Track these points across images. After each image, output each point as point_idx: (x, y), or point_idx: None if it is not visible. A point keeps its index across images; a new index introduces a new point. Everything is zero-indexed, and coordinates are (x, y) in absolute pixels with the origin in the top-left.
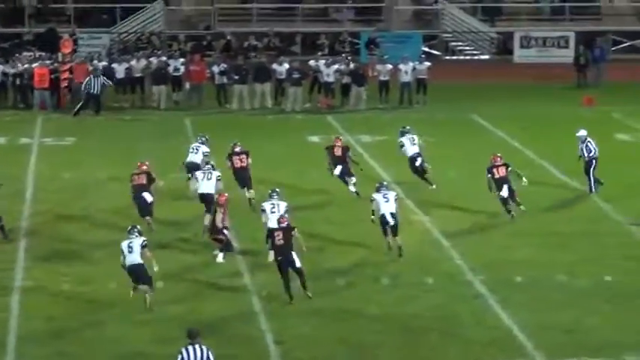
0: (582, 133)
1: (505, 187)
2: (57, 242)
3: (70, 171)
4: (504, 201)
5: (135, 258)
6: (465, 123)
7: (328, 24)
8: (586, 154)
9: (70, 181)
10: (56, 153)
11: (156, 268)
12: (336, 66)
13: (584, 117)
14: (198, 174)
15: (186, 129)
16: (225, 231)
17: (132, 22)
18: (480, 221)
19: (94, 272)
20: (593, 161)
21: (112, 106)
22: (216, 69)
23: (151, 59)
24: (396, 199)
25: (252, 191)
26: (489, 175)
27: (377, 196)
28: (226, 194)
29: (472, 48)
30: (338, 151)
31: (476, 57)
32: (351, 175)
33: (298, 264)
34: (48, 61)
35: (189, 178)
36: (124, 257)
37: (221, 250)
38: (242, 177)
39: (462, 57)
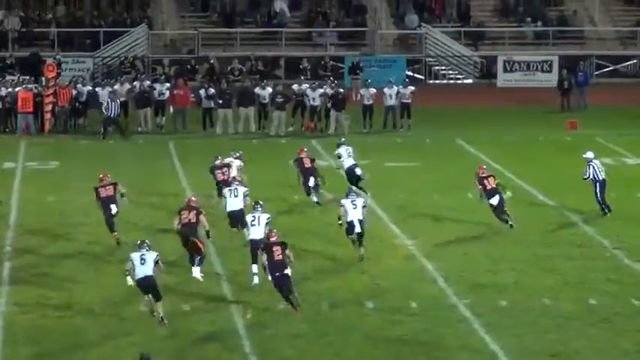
0: (589, 155)
1: (497, 197)
2: (41, 266)
3: (54, 194)
4: (498, 211)
5: (146, 270)
6: (449, 147)
7: (312, 48)
8: (591, 176)
9: (54, 204)
10: (40, 177)
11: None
12: (321, 90)
13: (568, 141)
14: (226, 192)
15: (171, 152)
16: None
17: (115, 47)
18: (464, 245)
19: (79, 296)
20: (597, 184)
21: (95, 130)
22: (203, 93)
23: (134, 83)
24: (364, 206)
25: None
26: (481, 187)
27: (345, 202)
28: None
29: (456, 72)
30: (307, 163)
31: (459, 81)
32: (318, 186)
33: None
34: (31, 85)
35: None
36: (134, 268)
37: (198, 265)
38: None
39: (445, 81)
